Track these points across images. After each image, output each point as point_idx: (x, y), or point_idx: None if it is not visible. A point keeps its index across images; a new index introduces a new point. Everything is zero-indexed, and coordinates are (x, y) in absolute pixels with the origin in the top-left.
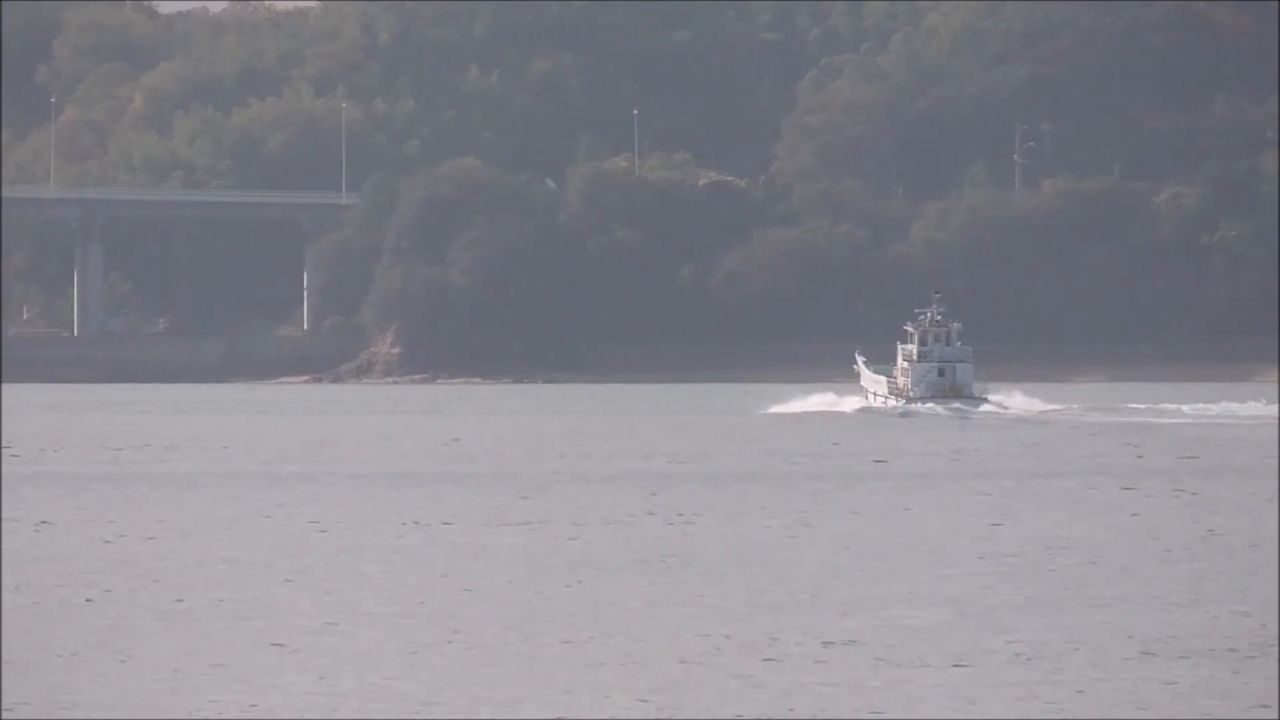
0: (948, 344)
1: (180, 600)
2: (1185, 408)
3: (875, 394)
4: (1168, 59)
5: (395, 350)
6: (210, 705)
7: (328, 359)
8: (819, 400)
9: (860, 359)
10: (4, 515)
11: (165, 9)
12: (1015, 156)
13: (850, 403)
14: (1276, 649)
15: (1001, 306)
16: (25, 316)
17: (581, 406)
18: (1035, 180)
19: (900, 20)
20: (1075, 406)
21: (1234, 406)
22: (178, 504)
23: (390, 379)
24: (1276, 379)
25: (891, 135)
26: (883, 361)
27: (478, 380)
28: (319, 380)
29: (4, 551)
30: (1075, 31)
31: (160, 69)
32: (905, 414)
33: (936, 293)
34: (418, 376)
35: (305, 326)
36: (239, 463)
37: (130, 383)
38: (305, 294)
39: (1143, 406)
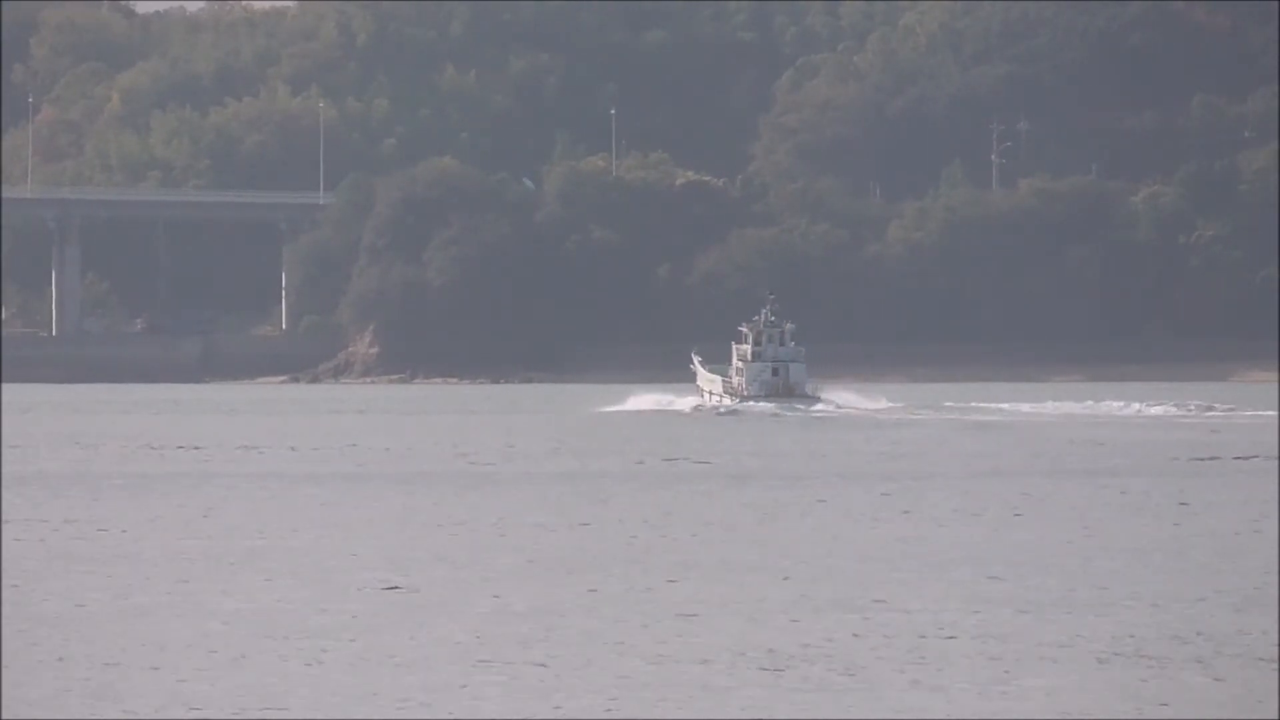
0: (781, 344)
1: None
2: (1007, 406)
3: (711, 393)
4: (1145, 59)
5: (373, 350)
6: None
7: (305, 359)
8: (653, 399)
9: (696, 359)
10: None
11: (142, 8)
12: (992, 156)
13: (686, 402)
14: (1277, 649)
15: (978, 306)
16: (2, 316)
17: (488, 406)
18: (1012, 180)
19: (877, 20)
20: (903, 404)
21: (1069, 405)
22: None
23: (368, 379)
24: (1254, 379)
25: (869, 135)
26: None
27: (455, 380)
28: (296, 380)
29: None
30: (1052, 31)
31: (137, 68)
32: (728, 412)
33: (771, 294)
34: (395, 376)
35: (283, 326)
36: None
37: (107, 383)
38: (283, 293)
39: (985, 405)
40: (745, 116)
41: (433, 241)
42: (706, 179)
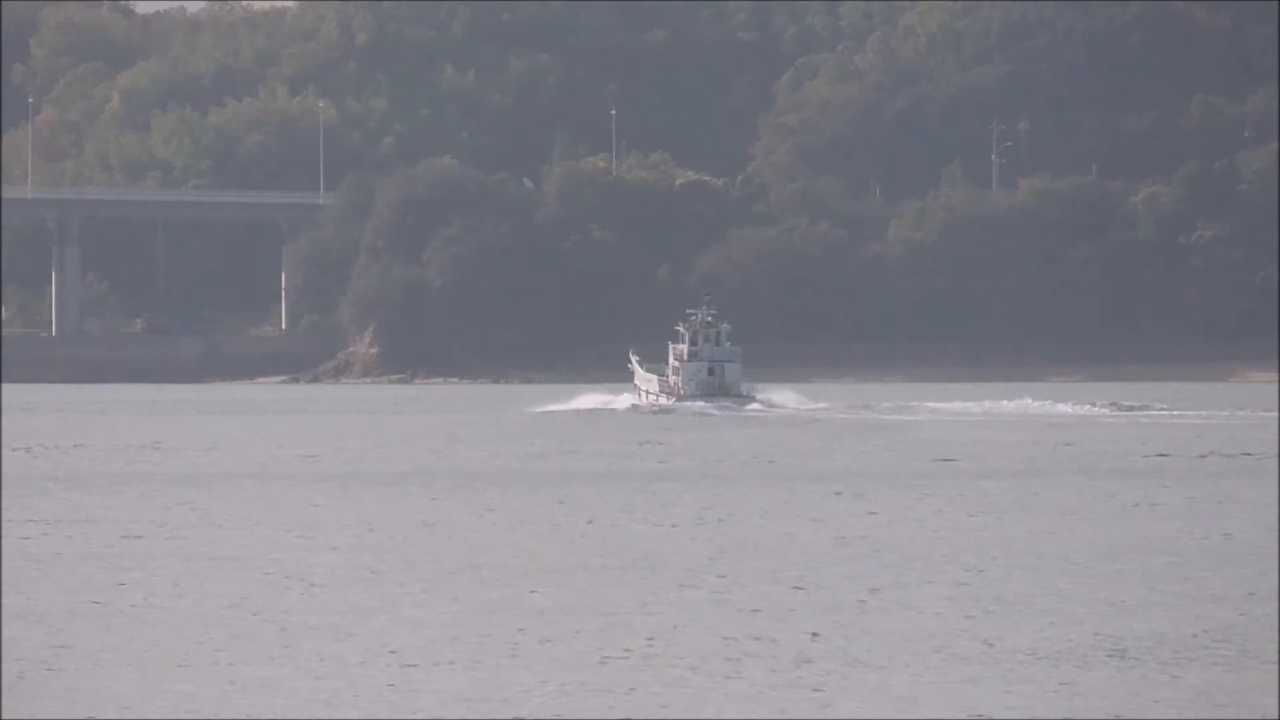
0: (717, 344)
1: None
2: (957, 405)
3: (647, 392)
4: (1145, 59)
5: (373, 350)
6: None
7: (305, 359)
8: (590, 399)
9: (634, 358)
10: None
11: (142, 8)
12: (992, 156)
13: (623, 401)
14: (1277, 648)
15: (979, 306)
16: (2, 316)
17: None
18: (1012, 180)
19: (877, 20)
20: (831, 404)
21: (1003, 404)
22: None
23: (368, 379)
24: (1254, 379)
25: (868, 135)
26: None
27: (455, 380)
28: (296, 380)
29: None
30: (1052, 31)
31: (137, 69)
32: (661, 410)
33: (707, 294)
34: (395, 376)
35: (283, 326)
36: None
37: (107, 383)
38: (283, 293)
39: (936, 405)
40: (745, 116)
41: (432, 241)
42: (706, 179)
